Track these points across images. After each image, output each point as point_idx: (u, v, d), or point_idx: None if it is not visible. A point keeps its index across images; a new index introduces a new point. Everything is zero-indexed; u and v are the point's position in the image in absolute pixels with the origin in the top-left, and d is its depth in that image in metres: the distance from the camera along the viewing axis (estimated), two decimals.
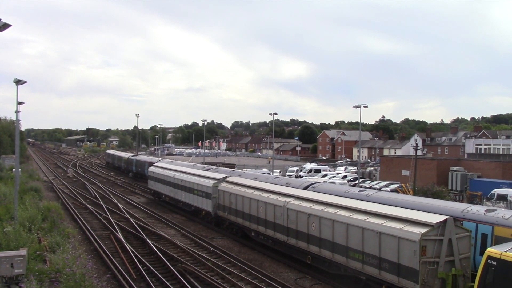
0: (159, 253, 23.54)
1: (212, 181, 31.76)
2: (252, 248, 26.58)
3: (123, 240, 25.96)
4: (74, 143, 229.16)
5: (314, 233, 20.78)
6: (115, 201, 42.13)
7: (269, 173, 54.64)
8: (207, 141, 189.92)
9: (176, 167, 43.79)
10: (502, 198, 41.21)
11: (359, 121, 54.96)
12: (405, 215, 17.18)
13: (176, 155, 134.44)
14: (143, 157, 71.45)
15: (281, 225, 23.32)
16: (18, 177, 28.20)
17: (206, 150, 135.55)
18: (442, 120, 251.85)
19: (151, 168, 46.48)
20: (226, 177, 32.09)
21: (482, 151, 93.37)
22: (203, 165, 47.97)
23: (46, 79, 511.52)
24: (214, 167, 43.12)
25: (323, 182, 40.13)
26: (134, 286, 18.56)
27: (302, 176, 63.77)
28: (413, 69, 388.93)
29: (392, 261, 16.51)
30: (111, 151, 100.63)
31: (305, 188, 27.55)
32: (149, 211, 37.93)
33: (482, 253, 15.21)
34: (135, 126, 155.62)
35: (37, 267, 18.22)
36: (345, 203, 20.48)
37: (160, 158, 64.52)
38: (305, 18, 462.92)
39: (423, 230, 15.70)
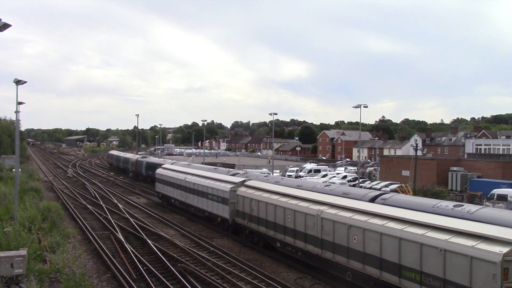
0: (159, 253, 23.54)
1: (230, 185, 29.17)
2: (252, 248, 26.58)
3: (123, 240, 25.96)
4: (74, 143, 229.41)
5: (356, 247, 18.18)
6: (115, 201, 42.14)
7: (269, 173, 54.55)
8: (207, 141, 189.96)
9: (189, 169, 39.81)
10: (502, 198, 41.24)
11: (359, 121, 54.99)
12: (477, 230, 14.54)
13: (176, 155, 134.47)
14: (155, 159, 64.15)
15: (314, 236, 20.65)
16: (18, 177, 28.20)
17: (206, 150, 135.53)
18: (442, 120, 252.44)
19: (159, 170, 43.58)
20: (244, 180, 29.38)
21: (482, 151, 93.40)
22: (228, 169, 42.45)
23: (46, 79, 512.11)
24: (242, 171, 38.59)
25: (395, 192, 33.56)
26: (134, 286, 18.56)
27: (302, 176, 63.77)
28: (413, 69, 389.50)
29: (462, 285, 14.04)
30: (114, 152, 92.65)
31: (372, 200, 21.05)
32: (149, 211, 37.92)
33: None
34: (135, 126, 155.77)
35: (37, 267, 18.23)
36: (395, 214, 17.45)
37: (174, 160, 58.38)
38: (305, 18, 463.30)
39: (504, 249, 13.14)
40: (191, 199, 34.96)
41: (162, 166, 45.77)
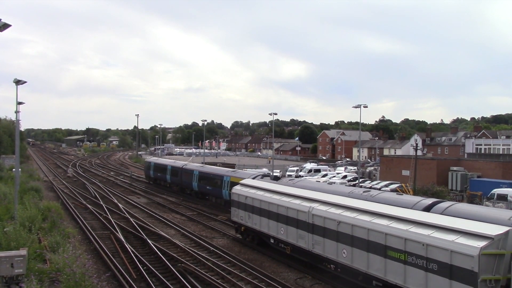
0: (159, 253, 23.53)
1: (477, 242, 13.59)
2: (252, 248, 26.56)
3: (123, 240, 25.96)
4: (74, 143, 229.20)
5: None
6: (115, 201, 42.12)
7: (269, 173, 54.51)
8: (207, 141, 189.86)
9: (318, 194, 22.09)
10: (502, 198, 41.25)
11: (359, 121, 54.97)
12: None
13: (176, 155, 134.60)
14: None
15: None
16: (18, 177, 28.20)
17: (206, 150, 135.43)
18: (442, 120, 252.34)
19: (237, 189, 28.21)
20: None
21: (482, 151, 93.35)
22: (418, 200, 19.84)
23: (45, 79, 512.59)
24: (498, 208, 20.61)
25: None
26: (134, 286, 18.55)
27: (302, 176, 63.76)
28: (413, 69, 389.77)
29: None
30: (167, 161, 57.53)
31: None
32: (149, 211, 37.90)
33: None
34: (135, 126, 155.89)
35: (37, 267, 18.25)
36: None
37: (271, 172, 42.06)
38: (304, 18, 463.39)
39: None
40: (327, 247, 19.80)
41: (241, 182, 29.88)
